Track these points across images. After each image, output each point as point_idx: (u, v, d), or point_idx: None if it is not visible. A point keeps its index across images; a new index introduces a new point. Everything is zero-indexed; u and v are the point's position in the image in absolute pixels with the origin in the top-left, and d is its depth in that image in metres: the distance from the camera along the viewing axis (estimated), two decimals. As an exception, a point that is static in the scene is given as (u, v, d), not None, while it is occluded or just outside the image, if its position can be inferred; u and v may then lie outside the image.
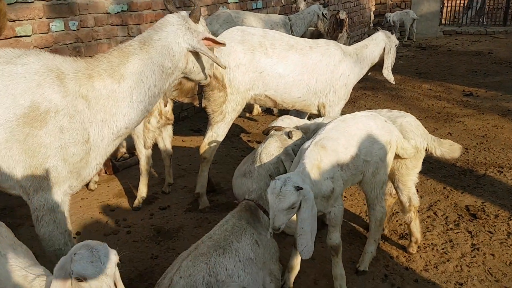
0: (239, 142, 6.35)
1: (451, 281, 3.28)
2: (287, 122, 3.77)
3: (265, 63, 4.02)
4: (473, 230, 3.92)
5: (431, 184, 4.87)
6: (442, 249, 3.67)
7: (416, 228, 3.57)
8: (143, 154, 4.27)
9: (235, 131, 6.78)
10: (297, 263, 3.24)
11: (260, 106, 7.59)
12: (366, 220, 4.09)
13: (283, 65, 4.05)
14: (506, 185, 4.75)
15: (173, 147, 6.06)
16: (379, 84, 9.24)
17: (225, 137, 6.69)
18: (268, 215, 3.16)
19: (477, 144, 5.88)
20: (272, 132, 3.40)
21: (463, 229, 3.98)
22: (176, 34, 2.70)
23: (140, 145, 4.22)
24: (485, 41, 13.88)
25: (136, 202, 4.38)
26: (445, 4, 16.82)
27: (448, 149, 3.48)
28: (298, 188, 2.48)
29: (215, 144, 4.18)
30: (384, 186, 3.27)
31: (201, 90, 7.58)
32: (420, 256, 3.59)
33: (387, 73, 4.04)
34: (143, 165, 4.31)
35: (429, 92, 8.68)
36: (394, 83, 4.26)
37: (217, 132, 4.14)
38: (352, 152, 3.00)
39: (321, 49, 4.22)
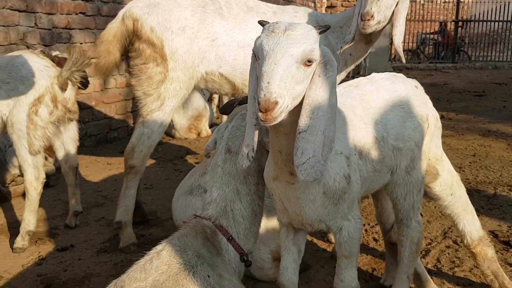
0: (183, 164, 4.95)
1: None
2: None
3: (220, 28, 2.79)
4: (517, 262, 2.77)
5: (435, 206, 3.76)
6: (488, 292, 2.44)
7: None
8: (29, 163, 2.73)
9: (179, 152, 5.40)
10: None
11: (210, 127, 6.29)
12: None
13: (242, 31, 2.84)
14: (527, 205, 3.75)
15: (95, 170, 4.58)
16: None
17: (166, 159, 5.44)
18: (233, 242, 1.86)
19: (470, 163, 5.11)
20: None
21: (501, 261, 2.80)
22: None
23: (23, 149, 2.71)
24: (437, 75, 13.83)
25: (18, 240, 2.80)
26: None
27: None
28: (322, 31, 1.44)
29: (149, 145, 2.79)
30: (422, 189, 2.06)
31: (135, 107, 6.22)
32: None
33: (398, 41, 2.84)
34: (29, 181, 2.76)
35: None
36: (404, 61, 3.11)
37: (151, 127, 2.77)
38: (376, 132, 1.81)
39: (288, 17, 3.06)
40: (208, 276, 1.65)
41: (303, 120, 1.41)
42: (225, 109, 2.10)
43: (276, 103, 1.28)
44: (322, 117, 1.43)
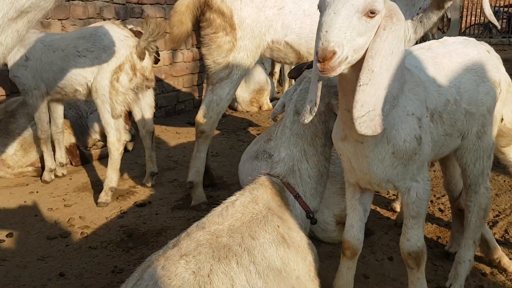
0: (246, 135, 5.11)
1: None
2: None
3: (287, -4, 2.84)
4: None
5: (504, 180, 3.62)
6: None
7: None
8: (111, 126, 2.99)
9: (241, 124, 5.56)
10: (347, 282, 1.94)
11: (270, 101, 6.39)
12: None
13: None
14: None
15: (165, 138, 4.87)
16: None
17: (230, 130, 5.63)
18: (300, 200, 1.94)
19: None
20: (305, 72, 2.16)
21: None
22: None
23: (106, 113, 2.96)
24: (510, 50, 12.80)
25: (102, 195, 3.10)
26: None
27: None
28: None
29: (218, 111, 2.94)
30: (492, 155, 2.02)
31: (200, 81, 6.45)
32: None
33: (487, 8, 2.68)
34: (112, 142, 3.03)
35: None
36: (499, 26, 2.99)
37: (220, 94, 2.90)
38: (449, 94, 1.80)
39: None
40: (278, 226, 1.77)
41: (365, 72, 1.39)
42: (293, 73, 2.16)
43: (334, 52, 1.26)
44: (385, 71, 1.40)
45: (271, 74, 7.21)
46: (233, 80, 2.91)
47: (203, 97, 3.02)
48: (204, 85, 6.20)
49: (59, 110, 3.43)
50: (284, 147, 2.03)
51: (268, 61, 7.25)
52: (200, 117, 2.95)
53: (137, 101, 3.23)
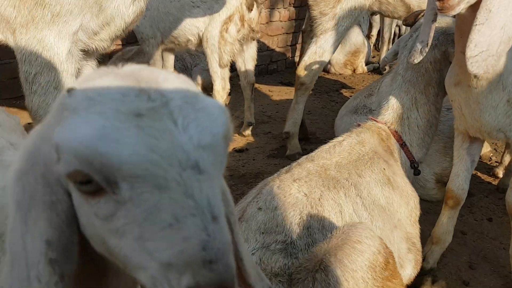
0: (339, 96, 5.10)
1: None
2: None
3: None
4: None
5: None
6: None
7: None
8: (218, 75, 3.18)
9: (334, 86, 5.54)
10: (446, 231, 1.95)
11: (366, 64, 6.24)
12: None
13: None
14: None
15: (258, 95, 5.04)
16: None
17: (322, 91, 5.64)
18: (405, 149, 1.96)
19: None
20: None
21: None
22: None
23: (214, 62, 3.15)
24: None
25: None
26: None
27: None
28: None
29: (319, 64, 2.99)
30: None
31: (294, 41, 6.47)
32: None
33: None
34: (217, 90, 3.23)
35: None
36: None
37: (324, 46, 2.94)
38: None
39: None
40: (384, 169, 1.82)
41: (482, 12, 1.37)
42: (408, 20, 2.14)
43: None
44: (503, 11, 1.37)
45: (368, 37, 6.99)
46: (339, 32, 2.92)
47: (296, 58, 3.07)
48: (298, 45, 6.22)
49: (170, 59, 3.71)
50: (394, 94, 2.04)
51: (365, 23, 7.02)
52: (301, 69, 3.03)
53: (241, 53, 3.38)
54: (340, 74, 6.14)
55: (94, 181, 0.58)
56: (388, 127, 1.98)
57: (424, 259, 1.95)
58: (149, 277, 0.60)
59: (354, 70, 6.15)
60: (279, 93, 5.16)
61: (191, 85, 0.69)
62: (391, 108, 2.00)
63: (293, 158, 3.13)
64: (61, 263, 0.67)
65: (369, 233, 1.23)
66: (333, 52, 3.02)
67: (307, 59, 3.00)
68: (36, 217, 0.66)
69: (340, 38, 2.97)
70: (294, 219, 1.37)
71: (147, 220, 0.57)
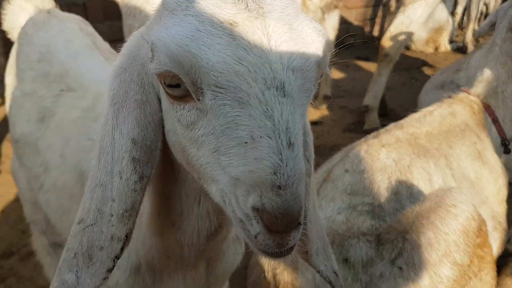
0: (419, 74, 4.85)
1: None
2: None
3: None
4: None
5: None
6: None
7: None
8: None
9: (414, 63, 5.28)
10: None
11: (450, 43, 5.85)
12: None
13: None
14: None
15: (334, 69, 4.93)
16: None
17: (402, 68, 5.38)
18: (497, 125, 1.82)
19: None
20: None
21: None
22: None
23: None
24: None
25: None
26: None
27: None
28: None
29: (406, 35, 2.85)
30: None
31: (373, 15, 6.20)
32: None
33: None
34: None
35: None
36: None
37: (412, 16, 2.79)
38: None
39: None
40: (475, 142, 1.71)
41: None
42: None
43: None
44: None
45: (452, 14, 6.52)
46: (428, 2, 2.76)
47: (374, 33, 2.93)
48: (377, 19, 5.95)
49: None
50: (489, 66, 1.90)
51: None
52: (386, 39, 2.91)
53: (321, 22, 3.30)
54: (421, 51, 5.81)
55: (182, 86, 0.60)
56: (481, 100, 1.86)
57: (508, 240, 1.83)
58: (219, 190, 0.61)
59: (436, 48, 5.80)
60: (355, 67, 5.01)
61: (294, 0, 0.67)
62: (485, 81, 1.86)
63: (371, 132, 3.06)
64: (142, 163, 0.70)
65: (464, 198, 1.18)
66: (421, 24, 2.86)
67: (393, 29, 2.87)
68: (126, 114, 0.69)
69: (430, 8, 2.80)
70: (382, 184, 1.34)
71: (224, 134, 0.58)
